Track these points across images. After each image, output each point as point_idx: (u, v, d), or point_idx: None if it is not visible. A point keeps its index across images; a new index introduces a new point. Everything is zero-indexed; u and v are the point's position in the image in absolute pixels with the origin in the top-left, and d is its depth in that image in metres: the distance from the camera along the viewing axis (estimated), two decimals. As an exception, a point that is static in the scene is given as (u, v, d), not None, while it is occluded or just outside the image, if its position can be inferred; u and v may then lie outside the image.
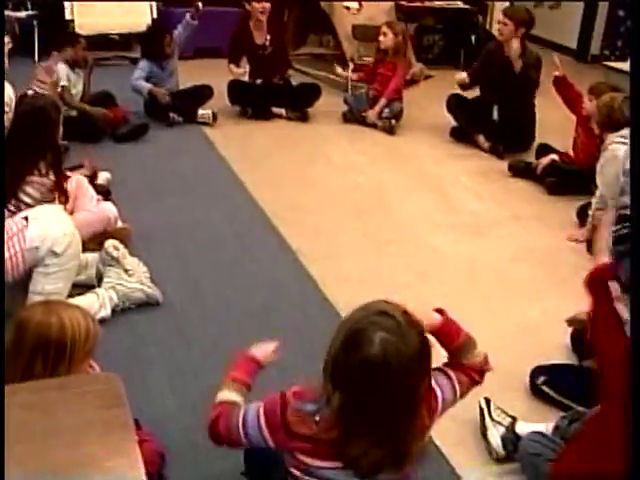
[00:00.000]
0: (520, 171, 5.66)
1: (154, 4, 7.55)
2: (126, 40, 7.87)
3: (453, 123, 6.34)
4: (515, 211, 5.10)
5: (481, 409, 2.89)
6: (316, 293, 3.82)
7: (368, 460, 1.81)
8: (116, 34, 7.29)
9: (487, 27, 8.66)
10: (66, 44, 5.58)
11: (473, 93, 6.32)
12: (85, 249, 3.88)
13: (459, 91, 6.30)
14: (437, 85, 7.73)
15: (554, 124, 6.07)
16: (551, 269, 4.28)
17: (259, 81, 6.41)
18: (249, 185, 5.09)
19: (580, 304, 3.57)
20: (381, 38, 6.39)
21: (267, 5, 6.21)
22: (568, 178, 5.39)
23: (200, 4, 6.19)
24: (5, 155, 3.70)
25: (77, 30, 7.18)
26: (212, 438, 2.08)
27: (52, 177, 3.72)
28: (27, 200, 3.73)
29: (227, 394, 2.14)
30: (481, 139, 6.10)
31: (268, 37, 6.36)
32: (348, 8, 7.24)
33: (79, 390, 1.75)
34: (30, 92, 4.20)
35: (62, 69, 5.49)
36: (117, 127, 5.70)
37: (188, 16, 6.22)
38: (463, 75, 6.16)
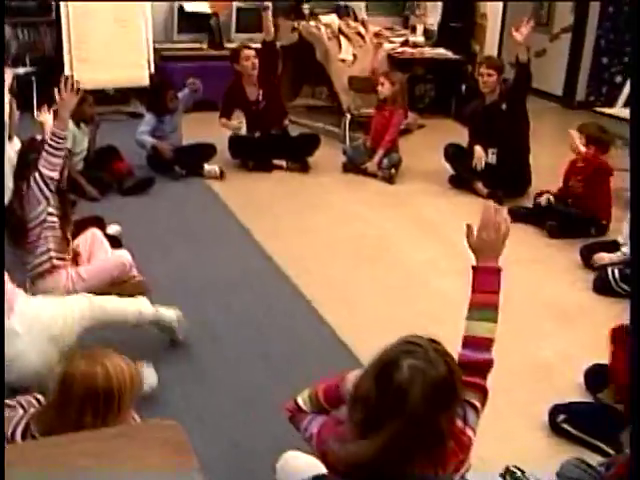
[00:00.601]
0: (520, 216, 5.76)
1: (152, 59, 7.66)
2: (123, 94, 8.00)
3: (451, 171, 6.48)
4: (519, 255, 5.16)
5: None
6: (334, 340, 3.90)
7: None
8: (115, 89, 7.38)
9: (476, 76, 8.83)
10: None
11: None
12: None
13: (454, 141, 6.45)
14: (430, 134, 7.91)
15: (548, 170, 6.24)
16: (559, 310, 4.38)
17: (257, 134, 6.52)
18: (257, 235, 5.19)
19: (588, 345, 3.71)
20: (379, 88, 6.54)
21: (256, 61, 6.35)
22: (568, 221, 5.52)
23: (197, 82, 6.28)
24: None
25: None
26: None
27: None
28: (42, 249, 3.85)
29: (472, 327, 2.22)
30: (479, 186, 6.23)
31: (260, 92, 6.48)
32: (343, 60, 7.41)
33: (143, 438, 1.81)
34: (39, 137, 4.28)
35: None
36: (123, 181, 5.78)
37: (187, 90, 6.31)
38: (481, 153, 6.20)
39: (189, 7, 8.07)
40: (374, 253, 5.09)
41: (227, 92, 6.57)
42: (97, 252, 4.22)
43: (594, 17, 9.38)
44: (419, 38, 8.74)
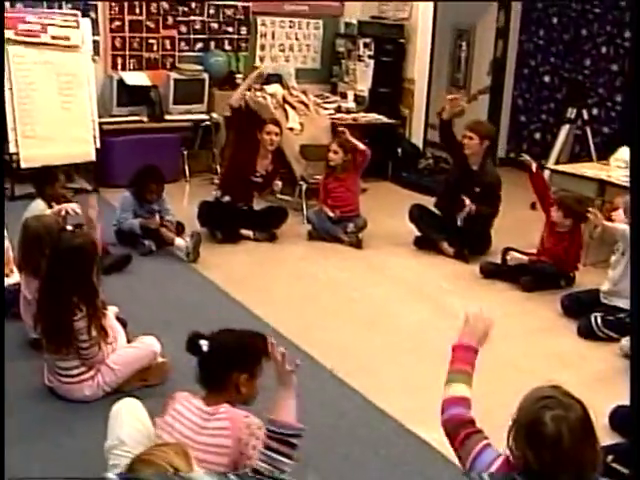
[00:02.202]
0: (491, 273, 6.01)
1: (97, 134, 7.55)
2: (64, 172, 7.79)
3: (409, 232, 6.65)
4: (504, 309, 5.41)
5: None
6: (369, 406, 3.93)
7: None
8: (61, 165, 7.21)
9: (409, 139, 9.17)
10: (46, 182, 5.54)
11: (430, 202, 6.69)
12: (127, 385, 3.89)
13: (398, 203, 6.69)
14: (373, 197, 8.09)
15: (507, 226, 6.62)
16: (553, 357, 4.65)
17: (227, 198, 6.48)
18: (252, 307, 5.15)
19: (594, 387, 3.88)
20: (331, 155, 6.67)
21: (276, 139, 6.44)
22: (541, 276, 5.78)
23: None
24: (43, 294, 3.71)
25: (22, 164, 7.13)
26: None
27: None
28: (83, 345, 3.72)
29: (455, 388, 2.55)
30: (445, 245, 6.44)
31: (270, 168, 6.54)
32: (292, 129, 7.53)
33: None
34: (69, 227, 4.18)
35: (37, 209, 5.38)
36: (101, 259, 5.63)
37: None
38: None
39: (130, 79, 8.01)
40: (371, 317, 5.17)
41: (236, 146, 6.62)
42: (117, 336, 4.12)
43: (510, 78, 9.92)
44: (350, 104, 8.98)
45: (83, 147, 7.46)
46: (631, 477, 3.30)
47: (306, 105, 7.94)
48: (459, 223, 6.42)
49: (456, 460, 2.49)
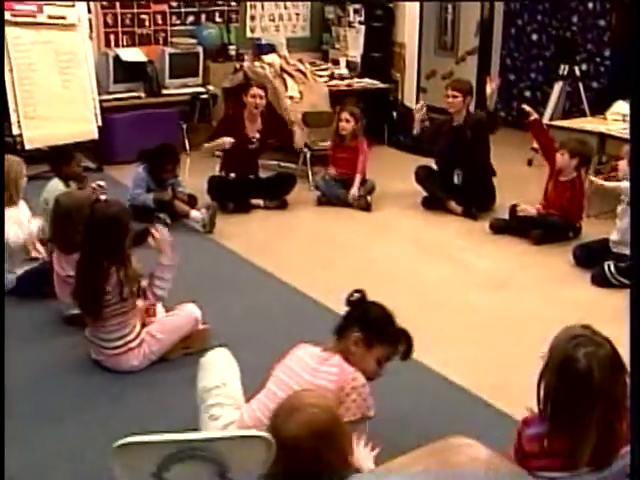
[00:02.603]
0: (500, 228, 6.16)
1: (99, 111, 7.57)
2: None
3: (415, 193, 6.79)
4: (518, 262, 5.59)
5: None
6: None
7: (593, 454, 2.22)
8: (64, 144, 7.22)
9: (403, 102, 9.25)
10: (63, 161, 5.58)
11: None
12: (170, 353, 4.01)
13: (425, 163, 6.79)
14: (374, 161, 8.10)
15: (507, 184, 6.77)
16: (576, 305, 4.83)
17: (232, 175, 6.59)
18: (276, 272, 5.26)
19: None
20: (343, 124, 6.74)
21: (260, 102, 6.46)
22: (550, 228, 5.94)
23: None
24: (81, 265, 3.80)
25: (26, 145, 7.15)
26: None
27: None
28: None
29: None
30: (453, 205, 6.58)
31: (257, 134, 6.57)
32: (292, 98, 7.60)
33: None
34: (103, 198, 4.25)
35: (57, 188, 5.41)
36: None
37: None
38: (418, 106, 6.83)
39: (126, 56, 8.02)
40: (393, 276, 5.28)
41: (224, 119, 6.63)
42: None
43: (498, 38, 10.03)
44: (343, 70, 9.04)
45: (85, 126, 7.48)
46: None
47: (303, 73, 8.01)
48: (455, 181, 6.57)
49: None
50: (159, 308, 4.26)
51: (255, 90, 6.53)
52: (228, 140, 6.32)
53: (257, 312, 4.68)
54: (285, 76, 7.81)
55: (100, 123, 7.58)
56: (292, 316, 4.65)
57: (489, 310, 4.80)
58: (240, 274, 5.30)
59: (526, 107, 6.37)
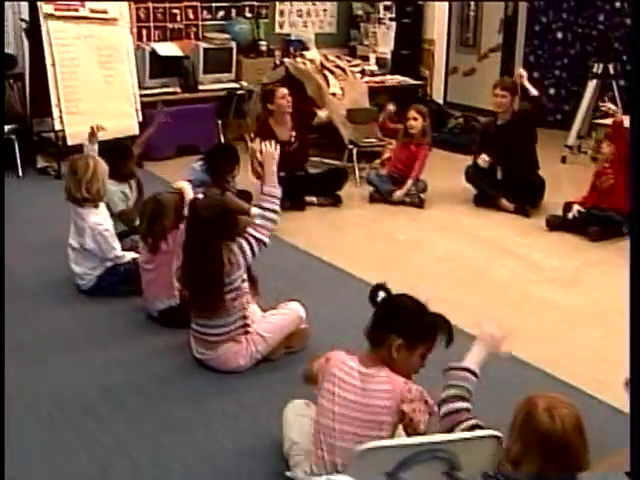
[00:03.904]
0: (556, 225, 6.20)
1: (139, 107, 7.51)
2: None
3: (463, 190, 6.84)
4: (583, 259, 5.62)
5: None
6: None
7: None
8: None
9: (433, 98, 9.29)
10: (121, 159, 5.43)
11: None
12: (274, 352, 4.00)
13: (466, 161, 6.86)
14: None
15: (548, 182, 6.75)
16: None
17: (282, 174, 6.53)
18: (346, 268, 5.26)
19: None
20: (411, 122, 6.73)
21: (290, 103, 6.43)
22: (608, 225, 5.98)
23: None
24: (190, 263, 3.75)
25: (68, 141, 7.07)
26: None
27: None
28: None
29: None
30: (504, 202, 6.61)
31: (293, 133, 6.54)
32: (334, 94, 7.58)
33: None
34: (200, 195, 4.22)
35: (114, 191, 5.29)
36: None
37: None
38: (485, 158, 6.59)
39: (162, 50, 7.96)
40: (465, 274, 5.30)
41: (256, 135, 6.57)
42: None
43: (521, 35, 10.07)
44: (373, 67, 9.04)
45: (127, 121, 7.40)
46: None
47: (343, 70, 7.99)
48: (498, 177, 6.61)
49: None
50: (254, 308, 4.20)
51: (282, 91, 6.49)
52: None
53: (345, 310, 4.65)
54: (326, 72, 7.78)
55: (141, 119, 7.50)
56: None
57: (570, 306, 4.83)
58: (314, 271, 5.28)
59: (609, 105, 6.33)
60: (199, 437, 3.38)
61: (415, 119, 6.68)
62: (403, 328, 2.79)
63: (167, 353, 4.12)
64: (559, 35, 9.75)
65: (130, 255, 4.78)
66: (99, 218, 4.74)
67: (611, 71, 8.33)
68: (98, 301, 4.67)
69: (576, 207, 6.12)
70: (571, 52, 9.64)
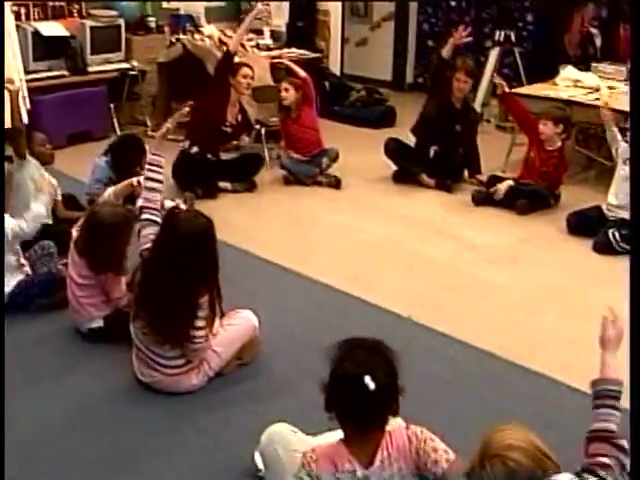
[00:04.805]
0: (481, 200, 6.08)
1: (26, 93, 6.84)
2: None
3: (380, 166, 6.64)
4: (516, 235, 5.53)
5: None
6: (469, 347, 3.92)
7: None
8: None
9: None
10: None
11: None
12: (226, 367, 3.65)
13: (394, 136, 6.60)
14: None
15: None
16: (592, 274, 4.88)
17: (195, 149, 6.13)
18: (280, 261, 4.95)
19: None
20: (283, 94, 6.44)
21: (252, 83, 6.12)
22: (535, 198, 5.91)
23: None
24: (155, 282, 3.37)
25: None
26: None
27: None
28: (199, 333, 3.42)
29: None
30: (425, 178, 6.44)
31: (239, 117, 6.21)
32: (239, 73, 7.15)
33: None
34: (182, 206, 3.81)
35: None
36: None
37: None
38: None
39: (46, 30, 7.30)
40: (402, 258, 5.11)
41: (201, 105, 6.05)
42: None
43: (414, 3, 9.91)
44: (268, 41, 8.65)
45: (11, 109, 6.73)
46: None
47: (242, 45, 7.56)
48: (431, 156, 6.44)
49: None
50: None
51: (246, 70, 6.15)
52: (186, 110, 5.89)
53: (287, 309, 4.36)
54: (225, 48, 7.33)
55: (29, 106, 6.86)
56: (322, 310, 4.38)
57: (517, 288, 4.71)
58: (245, 267, 4.89)
59: (497, 79, 6.28)
60: (154, 469, 3.03)
61: (287, 90, 6.41)
62: (385, 411, 2.31)
63: (106, 375, 3.70)
64: (453, 3, 9.64)
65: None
66: None
67: (512, 39, 8.29)
68: (15, 320, 4.14)
69: (508, 182, 6.00)
70: (466, 19, 9.53)
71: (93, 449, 3.13)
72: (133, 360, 3.58)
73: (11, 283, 4.20)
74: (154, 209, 3.60)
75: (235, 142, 6.49)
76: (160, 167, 3.67)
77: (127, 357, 3.63)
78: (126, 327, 3.55)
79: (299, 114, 6.50)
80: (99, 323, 3.94)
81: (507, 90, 6.19)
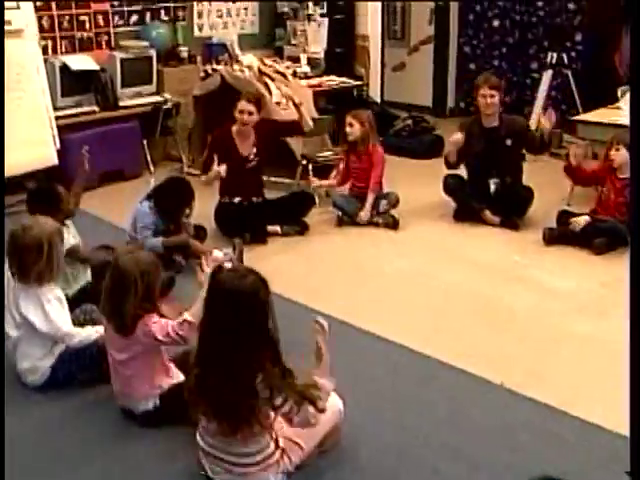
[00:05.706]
0: (554, 239, 5.58)
1: (56, 132, 6.43)
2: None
3: (438, 203, 6.19)
4: (599, 279, 5.03)
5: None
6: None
7: None
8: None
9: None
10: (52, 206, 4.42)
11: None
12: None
13: (448, 171, 6.13)
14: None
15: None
16: None
17: (238, 199, 5.72)
18: (339, 315, 4.39)
19: None
20: (348, 129, 6.01)
21: (250, 119, 5.61)
22: (614, 236, 5.41)
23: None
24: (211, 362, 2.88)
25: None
26: None
27: None
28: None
29: None
30: (489, 215, 5.95)
31: (254, 150, 5.72)
32: (278, 104, 6.73)
33: None
34: (231, 254, 3.35)
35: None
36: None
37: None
38: (458, 135, 5.89)
39: (75, 64, 6.89)
40: (475, 307, 4.64)
41: (213, 140, 5.71)
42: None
43: (454, 26, 9.48)
44: (305, 68, 8.22)
45: (43, 150, 6.35)
46: None
47: (283, 75, 7.14)
48: (492, 190, 5.98)
49: None
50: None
51: (243, 104, 5.63)
52: (223, 169, 5.48)
53: (364, 378, 3.86)
54: (265, 79, 6.92)
55: (59, 146, 6.44)
56: (403, 377, 3.89)
57: (617, 345, 4.17)
58: (301, 322, 4.37)
59: (572, 151, 5.69)
60: None
61: (351, 125, 5.95)
62: None
63: (160, 462, 3.21)
64: (495, 23, 9.19)
65: (86, 332, 3.79)
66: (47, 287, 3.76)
67: (565, 60, 7.83)
68: (55, 399, 3.67)
69: (585, 218, 5.50)
70: (509, 41, 9.09)
71: None
72: (199, 453, 3.09)
73: (51, 357, 3.74)
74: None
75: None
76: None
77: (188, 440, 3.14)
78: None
79: (368, 150, 6.02)
80: (155, 401, 3.46)
81: (574, 164, 5.60)
